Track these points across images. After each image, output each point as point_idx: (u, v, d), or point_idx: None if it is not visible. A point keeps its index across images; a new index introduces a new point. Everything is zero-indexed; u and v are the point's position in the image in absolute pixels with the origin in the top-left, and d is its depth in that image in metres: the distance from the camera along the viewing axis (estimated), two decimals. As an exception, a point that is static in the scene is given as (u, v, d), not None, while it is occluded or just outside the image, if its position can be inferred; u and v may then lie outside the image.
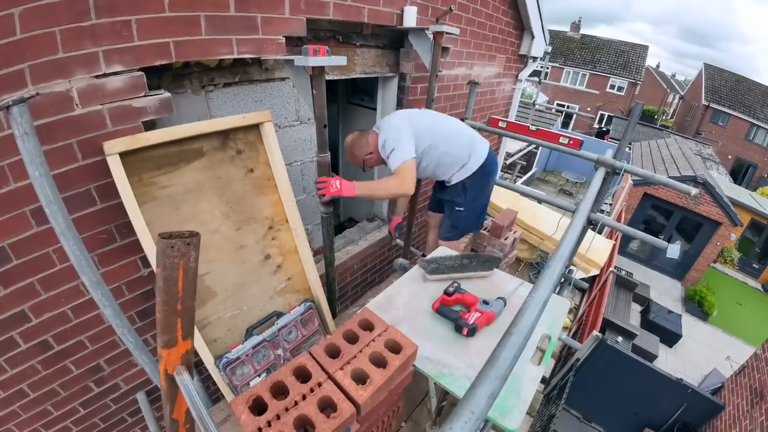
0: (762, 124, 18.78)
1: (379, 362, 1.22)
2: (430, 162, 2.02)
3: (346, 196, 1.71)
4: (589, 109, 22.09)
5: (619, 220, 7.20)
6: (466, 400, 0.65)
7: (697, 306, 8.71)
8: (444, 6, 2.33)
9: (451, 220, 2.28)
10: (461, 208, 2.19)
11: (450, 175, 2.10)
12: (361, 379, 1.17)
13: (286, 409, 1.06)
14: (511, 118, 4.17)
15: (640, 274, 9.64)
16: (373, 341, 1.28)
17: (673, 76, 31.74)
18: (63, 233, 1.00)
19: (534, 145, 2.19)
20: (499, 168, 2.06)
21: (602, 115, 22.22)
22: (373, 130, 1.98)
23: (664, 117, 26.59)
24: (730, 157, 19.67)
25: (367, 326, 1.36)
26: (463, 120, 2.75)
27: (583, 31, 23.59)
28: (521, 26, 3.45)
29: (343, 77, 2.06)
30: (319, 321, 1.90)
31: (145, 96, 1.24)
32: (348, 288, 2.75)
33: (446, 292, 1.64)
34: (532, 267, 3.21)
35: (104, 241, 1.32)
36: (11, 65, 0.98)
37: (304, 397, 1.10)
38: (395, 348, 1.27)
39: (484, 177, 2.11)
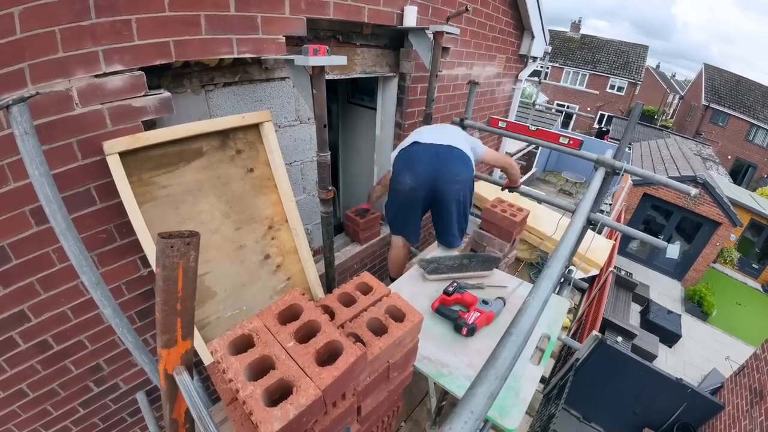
0: (762, 125, 18.77)
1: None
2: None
3: None
4: (589, 109, 22.07)
5: (618, 220, 7.19)
6: (465, 399, 0.65)
7: (697, 306, 8.71)
8: (444, 6, 2.33)
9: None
10: None
11: None
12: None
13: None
14: (511, 118, 4.17)
15: (640, 274, 9.64)
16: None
17: (673, 76, 31.74)
18: (63, 233, 1.00)
19: (534, 145, 2.17)
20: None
21: (602, 115, 22.21)
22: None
23: (664, 117, 26.59)
24: (729, 157, 19.67)
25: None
26: (462, 120, 2.75)
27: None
28: (521, 26, 3.45)
29: (343, 77, 2.06)
30: (319, 321, 1.90)
31: (145, 95, 1.24)
32: (348, 288, 2.74)
33: (446, 292, 1.64)
34: (532, 267, 3.21)
35: (104, 240, 1.32)
36: (11, 64, 0.98)
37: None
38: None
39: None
